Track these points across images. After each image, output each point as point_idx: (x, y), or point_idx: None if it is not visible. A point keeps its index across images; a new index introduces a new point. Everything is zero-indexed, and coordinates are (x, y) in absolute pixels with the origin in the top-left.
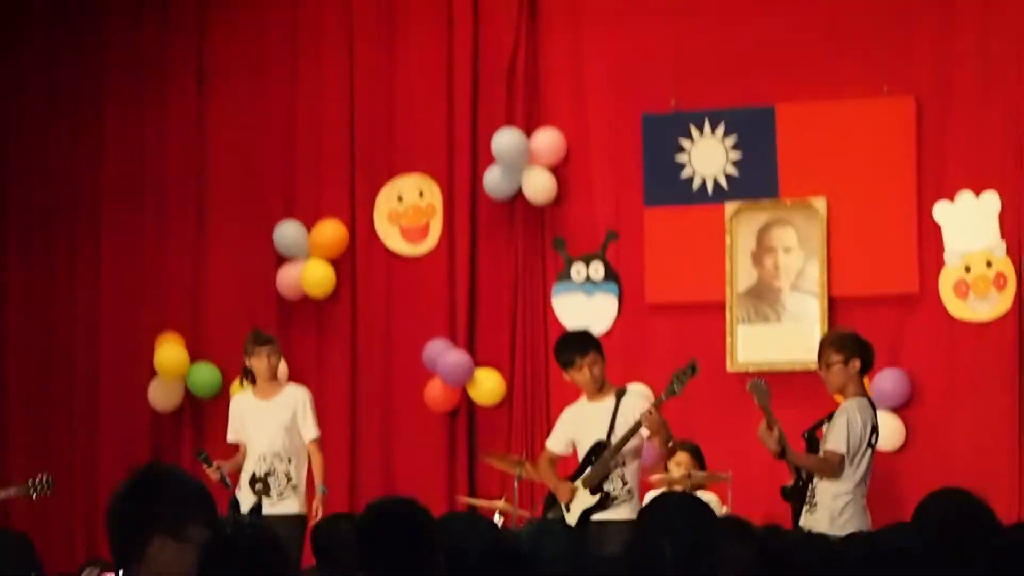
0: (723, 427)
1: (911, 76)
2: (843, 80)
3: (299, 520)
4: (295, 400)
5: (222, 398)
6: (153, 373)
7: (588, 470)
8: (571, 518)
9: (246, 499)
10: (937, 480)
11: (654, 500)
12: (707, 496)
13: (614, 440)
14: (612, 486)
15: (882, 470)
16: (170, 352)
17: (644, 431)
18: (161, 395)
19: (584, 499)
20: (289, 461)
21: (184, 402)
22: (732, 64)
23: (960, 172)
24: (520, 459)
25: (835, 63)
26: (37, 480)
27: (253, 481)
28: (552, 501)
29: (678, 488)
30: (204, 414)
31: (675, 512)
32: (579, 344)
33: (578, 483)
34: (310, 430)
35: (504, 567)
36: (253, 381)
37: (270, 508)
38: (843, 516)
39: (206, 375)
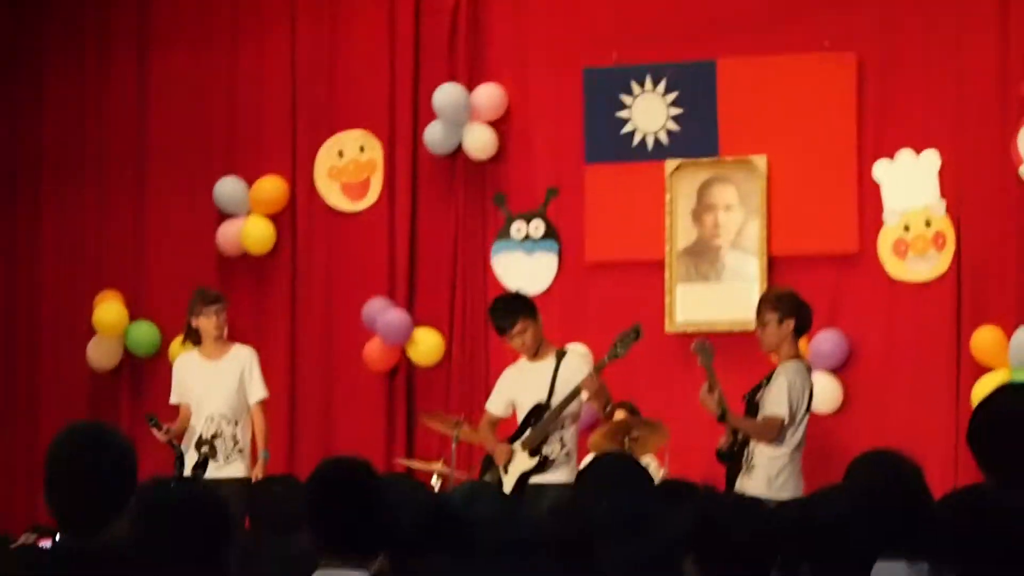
0: (661, 388)
1: (853, 32)
2: (784, 35)
3: (245, 483)
4: (242, 361)
5: (161, 357)
6: (92, 331)
7: (527, 432)
8: (509, 480)
9: (191, 461)
10: (874, 441)
11: (591, 461)
12: (645, 459)
13: (554, 403)
14: (550, 449)
15: (819, 432)
16: (109, 310)
17: (584, 394)
18: (99, 354)
19: (522, 462)
20: (236, 423)
21: (123, 361)
22: (673, 17)
23: (900, 130)
24: (459, 420)
25: (776, 17)
26: None
27: (200, 444)
28: (489, 463)
29: (616, 432)
30: (143, 373)
31: (611, 473)
32: (508, 312)
33: (516, 445)
34: (257, 391)
35: (437, 528)
36: (197, 342)
37: (216, 471)
38: (779, 479)
39: (145, 333)
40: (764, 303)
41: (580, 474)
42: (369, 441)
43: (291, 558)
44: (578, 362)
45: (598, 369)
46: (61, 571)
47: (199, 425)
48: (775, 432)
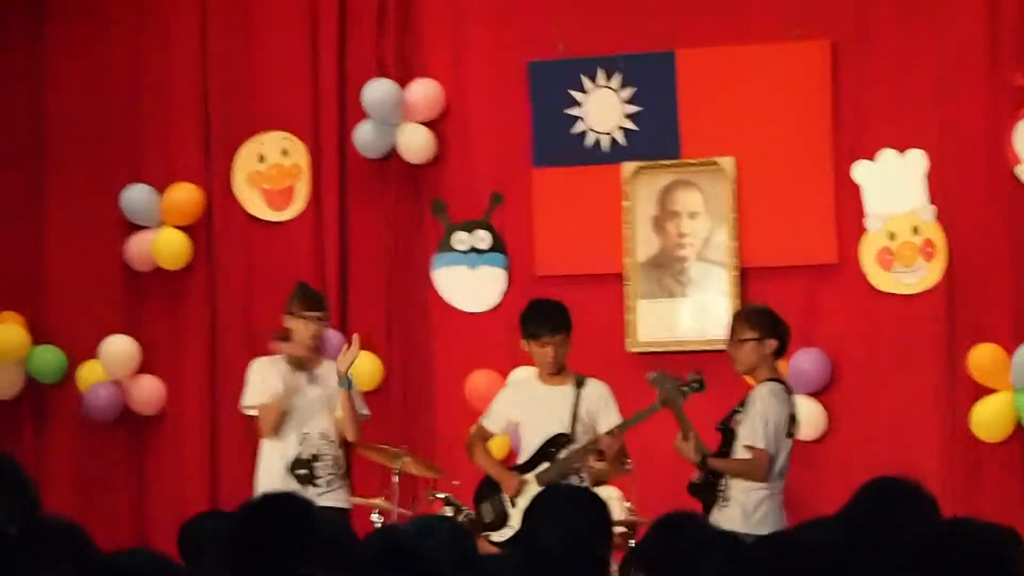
0: (622, 413)
1: (826, 18)
2: (751, 22)
3: (348, 513)
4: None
5: (67, 383)
6: None
7: (544, 465)
8: (517, 514)
9: (277, 483)
10: (860, 469)
11: (542, 492)
12: (609, 491)
13: (577, 435)
14: None
15: (801, 460)
16: (7, 333)
17: (595, 455)
18: None
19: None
20: (337, 445)
21: (24, 389)
22: (627, 2)
23: (882, 127)
24: (399, 450)
25: (742, 2)
26: None
27: (296, 465)
28: (488, 491)
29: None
30: (47, 401)
31: (564, 504)
32: (560, 319)
33: (530, 477)
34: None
35: (387, 563)
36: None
37: (316, 498)
38: (757, 513)
39: (49, 358)
40: (741, 319)
41: (531, 505)
42: None
43: None
44: (601, 393)
45: (621, 429)
46: None
47: (292, 445)
48: (764, 469)
